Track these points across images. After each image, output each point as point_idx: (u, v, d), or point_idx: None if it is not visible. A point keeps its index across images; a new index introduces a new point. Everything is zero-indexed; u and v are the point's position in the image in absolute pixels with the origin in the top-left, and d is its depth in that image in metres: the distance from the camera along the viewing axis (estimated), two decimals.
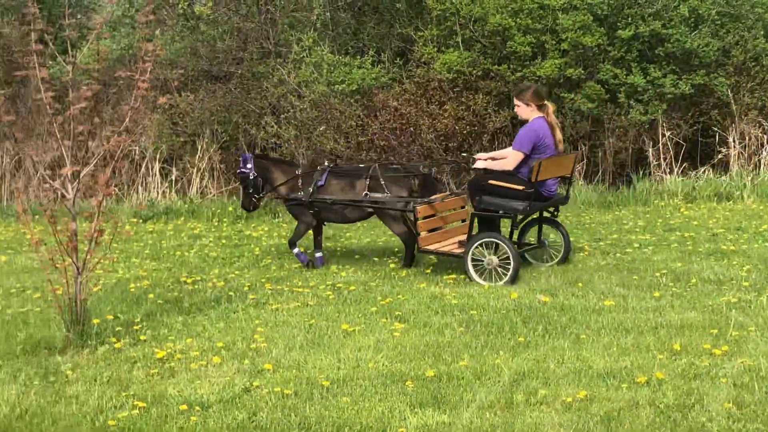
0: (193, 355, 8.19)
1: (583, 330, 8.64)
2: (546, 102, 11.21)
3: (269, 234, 15.04)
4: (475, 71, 17.99)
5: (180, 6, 19.73)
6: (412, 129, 17.24)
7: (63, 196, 8.84)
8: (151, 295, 10.50)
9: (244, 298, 10.30)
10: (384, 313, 9.42)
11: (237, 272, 11.89)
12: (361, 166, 12.70)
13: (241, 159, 12.02)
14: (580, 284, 10.42)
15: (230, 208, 17.05)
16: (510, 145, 11.43)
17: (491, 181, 10.85)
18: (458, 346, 8.22)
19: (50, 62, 15.84)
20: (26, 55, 9.16)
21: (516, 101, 11.17)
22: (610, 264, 11.57)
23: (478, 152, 14.21)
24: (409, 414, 6.61)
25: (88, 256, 8.78)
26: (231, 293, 10.54)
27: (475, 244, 10.69)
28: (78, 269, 8.69)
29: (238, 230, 15.60)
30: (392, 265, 11.86)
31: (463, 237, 11.15)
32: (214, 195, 18.27)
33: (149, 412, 6.88)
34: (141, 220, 16.63)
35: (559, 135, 11.09)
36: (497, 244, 10.70)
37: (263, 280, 11.25)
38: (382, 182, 11.45)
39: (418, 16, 19.63)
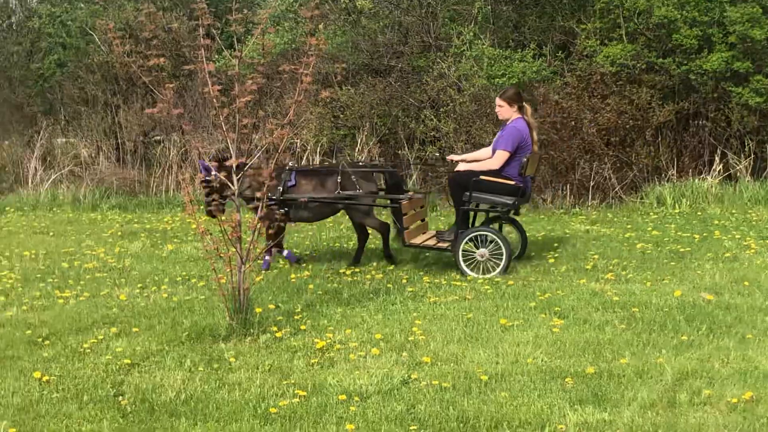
0: (352, 346, 8.26)
1: (749, 329, 8.41)
2: (524, 103, 11.65)
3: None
4: (638, 64, 17.66)
5: (342, 0, 19.91)
6: (573, 123, 17.03)
7: (227, 187, 9.02)
8: (311, 286, 10.63)
9: (402, 290, 10.34)
10: (543, 309, 9.34)
11: (394, 265, 11.93)
12: (324, 165, 13.01)
13: (201, 167, 11.49)
14: (746, 282, 10.15)
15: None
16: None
17: (484, 177, 11.13)
18: (619, 344, 8.09)
19: (216, 56, 16.20)
20: (194, 50, 9.37)
21: (499, 101, 11.49)
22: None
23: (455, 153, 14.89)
24: (569, 411, 6.53)
25: (252, 246, 8.94)
26: (389, 285, 10.60)
27: (466, 239, 11.10)
28: (242, 259, 8.85)
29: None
30: (551, 260, 11.76)
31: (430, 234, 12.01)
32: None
33: (309, 401, 6.96)
34: None
35: (535, 135, 11.57)
36: (486, 237, 11.08)
37: (421, 273, 11.29)
38: (354, 179, 11.66)
39: (580, 9, 19.35)
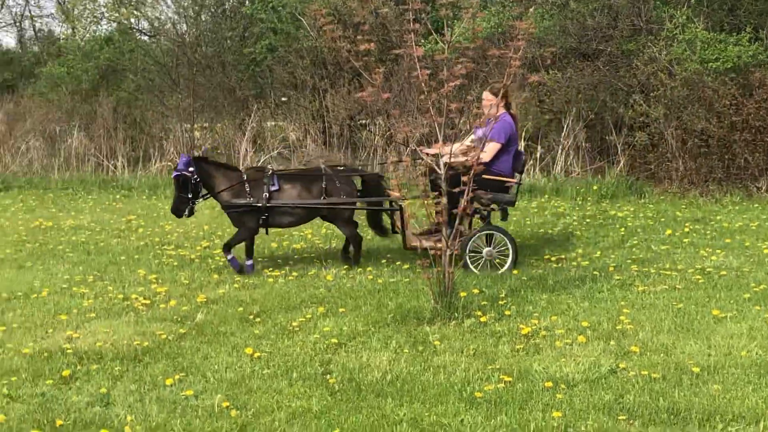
0: (558, 333, 8.18)
1: None
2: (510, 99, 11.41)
3: (635, 214, 14.80)
4: None
5: None
6: None
7: (434, 171, 9.04)
8: (515, 272, 10.59)
9: (609, 278, 10.19)
10: (758, 301, 9.04)
11: (600, 252, 11.77)
12: (303, 167, 12.75)
13: (180, 160, 11.08)
14: None
15: (594, 187, 16.94)
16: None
17: (485, 176, 10.53)
18: None
19: (423, 41, 16.28)
20: (402, 34, 9.43)
21: (488, 96, 10.91)
22: None
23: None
24: None
25: (457, 231, 8.96)
26: (595, 273, 10.46)
27: (474, 237, 10.83)
28: (447, 243, 8.88)
29: (603, 210, 15.46)
30: (766, 251, 11.37)
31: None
32: (578, 173, 18.19)
33: (515, 387, 6.93)
34: None
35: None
36: (492, 236, 10.97)
37: (629, 261, 11.09)
38: (338, 184, 11.31)
39: None
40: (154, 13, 29.08)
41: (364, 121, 20.86)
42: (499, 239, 10.91)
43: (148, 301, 9.72)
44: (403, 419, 6.31)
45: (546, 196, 17.04)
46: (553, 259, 11.32)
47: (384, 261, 11.51)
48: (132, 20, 29.95)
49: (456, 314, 8.71)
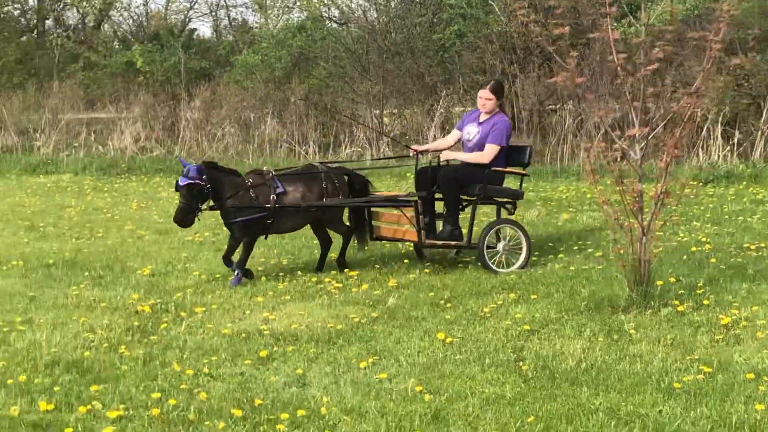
0: (759, 324, 7.95)
1: None
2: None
3: None
4: None
5: None
6: None
7: (628, 156, 8.89)
8: (713, 260, 10.33)
9: None
10: None
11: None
12: (297, 167, 11.92)
13: (189, 168, 10.17)
14: None
15: None
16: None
17: (495, 168, 10.71)
18: None
19: (616, 24, 16.02)
20: (599, 18, 9.29)
21: (488, 94, 10.81)
22: None
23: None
24: None
25: (653, 218, 8.79)
26: None
27: (491, 231, 10.66)
28: (643, 230, 8.72)
29: None
30: None
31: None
32: None
33: (715, 378, 6.77)
34: (701, 183, 16.39)
35: None
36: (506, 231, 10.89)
37: None
38: (337, 184, 10.89)
39: None
40: (344, 0, 29.50)
41: (554, 107, 20.66)
42: (511, 233, 10.77)
43: (340, 285, 9.89)
44: (599, 408, 6.24)
45: (744, 182, 16.57)
46: (752, 247, 11.00)
47: (576, 248, 11.40)
48: (323, 9, 30.44)
49: (652, 303, 8.57)
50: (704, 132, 17.81)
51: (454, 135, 11.36)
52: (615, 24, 15.81)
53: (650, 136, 8.77)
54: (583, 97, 10.76)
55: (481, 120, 10.82)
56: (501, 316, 8.60)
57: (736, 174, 16.99)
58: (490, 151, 10.59)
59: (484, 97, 10.76)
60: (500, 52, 21.72)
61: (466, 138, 10.89)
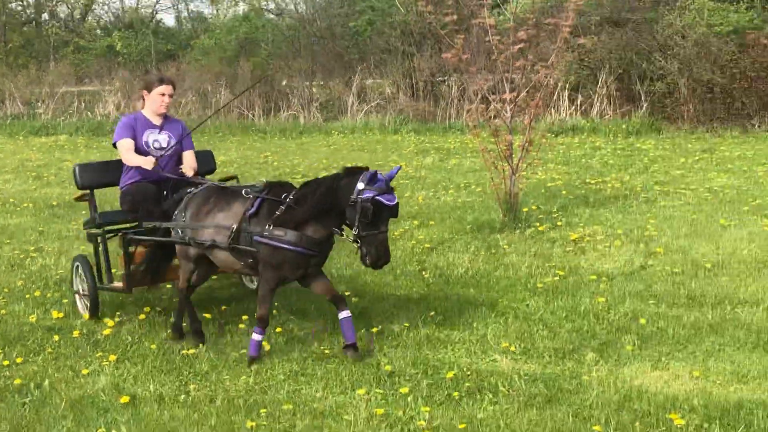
0: (599, 239, 8.14)
1: None
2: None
3: (655, 147, 14.54)
4: None
5: None
6: None
7: (501, 115, 8.99)
8: (563, 192, 10.51)
9: (637, 196, 10.08)
10: (755, 212, 8.88)
11: (630, 176, 11.61)
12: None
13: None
14: None
15: (623, 126, 16.67)
16: None
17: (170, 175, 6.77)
18: None
19: (489, 13, 15.99)
20: (478, 8, 9.35)
21: (170, 90, 6.62)
22: None
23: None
24: None
25: (520, 161, 8.92)
26: (626, 192, 10.34)
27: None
28: (512, 170, 8.85)
29: (630, 144, 15.20)
30: (761, 173, 11.13)
31: None
32: (610, 116, 17.86)
33: (567, 280, 6.95)
34: (554, 135, 16.57)
35: None
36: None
37: (652, 183, 10.94)
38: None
39: None
40: None
41: (443, 78, 20.65)
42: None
43: None
44: (482, 303, 6.38)
45: (585, 134, 16.79)
46: (592, 182, 11.20)
47: (462, 185, 11.50)
48: (263, 2, 30.02)
49: (520, 225, 8.72)
50: (556, 96, 17.96)
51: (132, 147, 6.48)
52: (490, 13, 15.83)
53: (517, 99, 8.87)
54: (466, 70, 10.76)
55: (158, 124, 6.58)
56: (407, 237, 8.68)
57: (579, 127, 17.18)
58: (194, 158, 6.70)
59: (168, 93, 6.55)
60: (401, 36, 21.56)
61: (156, 147, 6.48)
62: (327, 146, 16.53)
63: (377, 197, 5.14)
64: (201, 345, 5.73)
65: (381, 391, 4.85)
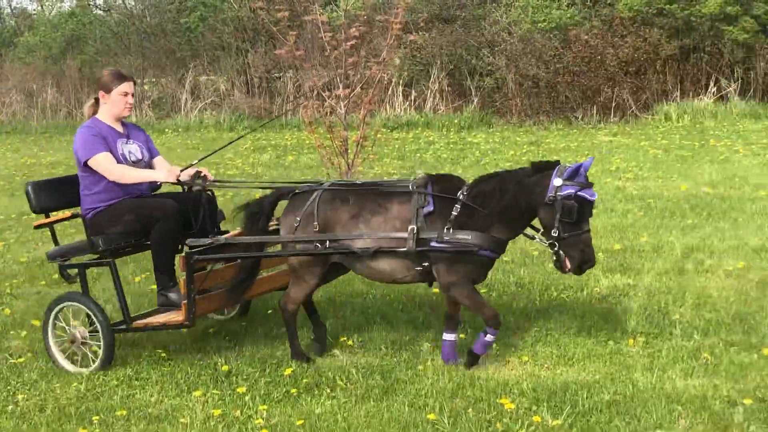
0: None
1: (740, 214, 8.30)
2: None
3: (486, 140, 14.97)
4: (650, 10, 17.18)
5: None
6: (599, 57, 16.68)
7: (336, 111, 9.04)
8: None
9: None
10: None
11: (462, 169, 11.86)
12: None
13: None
14: (736, 178, 9.99)
15: (455, 121, 17.05)
16: None
17: None
18: (638, 227, 8.04)
19: (322, 10, 16.04)
20: (310, 4, 9.36)
21: (132, 88, 5.60)
22: (762, 163, 11.02)
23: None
24: (602, 277, 6.54)
25: (356, 156, 8.98)
26: None
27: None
28: (348, 166, 8.91)
29: (462, 138, 15.58)
30: None
31: None
32: (443, 110, 18.26)
33: None
34: (389, 130, 16.82)
35: None
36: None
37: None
38: None
39: None
40: None
41: (278, 74, 20.56)
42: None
43: None
44: (320, 299, 6.36)
45: (419, 128, 17.10)
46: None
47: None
48: None
49: None
50: (390, 91, 18.21)
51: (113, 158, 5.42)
52: (322, 9, 15.88)
53: (351, 95, 8.95)
54: (301, 66, 10.76)
55: (122, 131, 5.57)
56: None
57: (413, 122, 17.48)
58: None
59: (131, 92, 5.57)
60: (235, 32, 21.31)
61: (133, 161, 5.48)
62: (160, 145, 16.11)
63: (580, 193, 4.65)
64: (308, 362, 5.13)
65: (218, 392, 4.79)
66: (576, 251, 4.70)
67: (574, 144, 13.84)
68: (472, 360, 4.94)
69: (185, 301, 5.08)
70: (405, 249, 4.79)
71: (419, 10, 17.87)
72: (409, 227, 4.80)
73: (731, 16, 16.80)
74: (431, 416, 4.33)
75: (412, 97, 18.53)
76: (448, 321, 5.11)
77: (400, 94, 18.49)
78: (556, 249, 4.73)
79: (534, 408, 4.38)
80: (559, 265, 4.79)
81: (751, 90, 17.19)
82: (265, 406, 4.57)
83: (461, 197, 4.83)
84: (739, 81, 17.08)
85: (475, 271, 4.90)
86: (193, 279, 5.06)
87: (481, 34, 18.27)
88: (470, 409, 4.39)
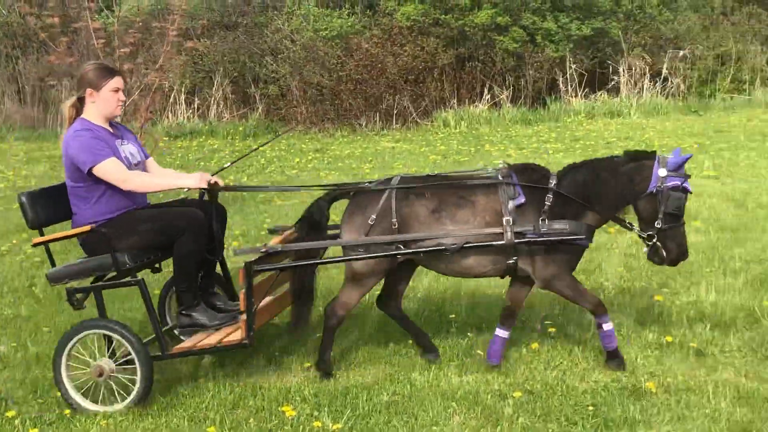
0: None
1: None
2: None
3: (271, 147, 14.92)
4: (427, 20, 17.79)
5: None
6: (379, 65, 17.07)
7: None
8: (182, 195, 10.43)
9: (255, 197, 10.27)
10: None
11: (247, 177, 11.81)
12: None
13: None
14: None
15: (240, 128, 16.93)
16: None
17: None
18: None
19: (97, 16, 15.49)
20: (81, 10, 9.01)
21: (121, 83, 5.04)
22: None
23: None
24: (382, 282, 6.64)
25: None
26: (244, 195, 10.48)
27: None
28: None
29: (248, 145, 15.49)
30: (367, 171, 11.82)
31: None
32: (227, 118, 18.10)
33: None
34: (172, 138, 16.47)
35: None
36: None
37: (268, 183, 11.19)
38: None
39: None
40: None
41: (53, 82, 19.65)
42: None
43: None
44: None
45: (204, 136, 16.85)
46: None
47: None
48: None
49: None
50: (172, 99, 17.84)
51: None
52: (96, 16, 15.32)
53: (127, 103, 8.68)
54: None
55: (115, 132, 5.02)
56: (16, 252, 8.14)
57: (197, 130, 17.20)
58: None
59: (122, 88, 5.04)
60: (4, 39, 20.18)
61: (134, 163, 4.96)
62: None
63: (685, 185, 4.60)
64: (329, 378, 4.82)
65: None
66: (674, 243, 4.70)
67: (359, 151, 14.09)
68: (616, 360, 4.80)
69: (245, 317, 4.62)
70: (503, 242, 4.66)
71: (199, 17, 17.62)
72: (504, 219, 4.68)
73: (502, 26, 17.69)
74: (211, 429, 4.26)
75: (195, 105, 18.24)
76: (505, 317, 4.98)
77: (183, 101, 18.15)
78: (654, 240, 4.71)
79: (315, 413, 4.41)
80: (656, 257, 4.77)
81: (522, 97, 18.16)
82: (36, 429, 4.35)
83: (553, 186, 4.74)
84: (511, 88, 17.98)
85: (574, 260, 4.83)
86: (253, 291, 4.62)
87: (264, 41, 18.25)
88: (251, 419, 4.37)
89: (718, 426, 4.15)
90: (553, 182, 4.75)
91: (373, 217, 4.76)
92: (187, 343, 4.83)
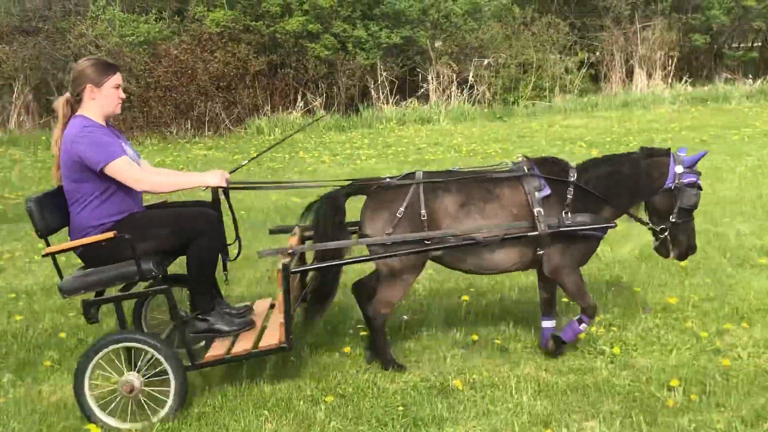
0: (17, 255, 7.83)
1: None
2: None
3: None
4: (237, 26, 17.66)
5: None
6: (190, 72, 16.80)
7: None
8: None
9: None
10: None
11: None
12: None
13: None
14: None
15: (43, 137, 16.21)
16: None
17: None
18: None
19: None
20: None
21: (119, 80, 4.78)
22: (346, 172, 11.77)
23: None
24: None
25: None
26: None
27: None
28: None
29: (51, 155, 14.81)
30: None
31: None
32: (30, 127, 17.30)
33: None
34: None
35: None
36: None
37: None
38: None
39: None
40: None
41: None
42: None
43: None
44: None
45: (3, 146, 16.00)
46: (13, 196, 10.72)
47: None
48: None
49: None
50: None
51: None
52: None
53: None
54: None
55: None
56: None
57: None
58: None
59: (121, 85, 4.81)
60: None
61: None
62: None
63: (699, 182, 4.86)
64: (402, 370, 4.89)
65: None
66: (685, 237, 4.93)
67: (170, 159, 13.81)
68: (559, 346, 4.98)
69: (283, 321, 4.50)
70: (537, 233, 4.73)
71: None
72: (535, 210, 4.76)
73: (313, 33, 17.81)
74: None
75: None
76: (545, 306, 5.13)
77: None
78: (666, 234, 4.93)
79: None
80: (665, 250, 4.98)
81: (336, 104, 18.34)
82: None
83: (573, 180, 4.84)
84: (324, 95, 18.13)
85: (588, 254, 4.97)
86: (290, 294, 4.53)
87: (67, 47, 17.56)
88: None
89: (520, 419, 4.34)
90: (573, 175, 4.91)
91: (401, 210, 4.78)
92: (218, 350, 4.61)
